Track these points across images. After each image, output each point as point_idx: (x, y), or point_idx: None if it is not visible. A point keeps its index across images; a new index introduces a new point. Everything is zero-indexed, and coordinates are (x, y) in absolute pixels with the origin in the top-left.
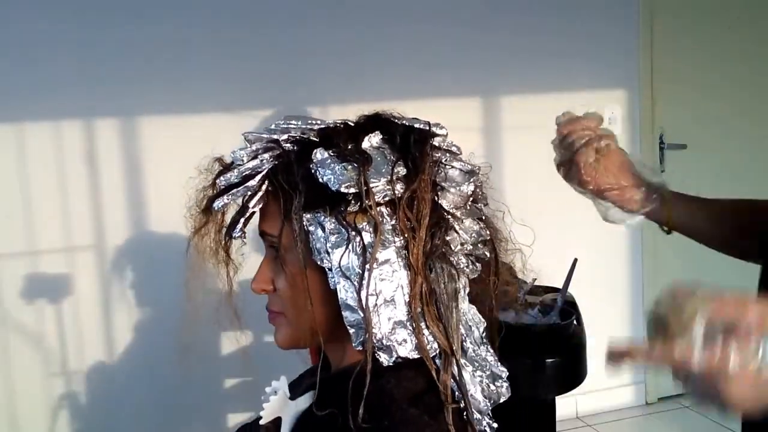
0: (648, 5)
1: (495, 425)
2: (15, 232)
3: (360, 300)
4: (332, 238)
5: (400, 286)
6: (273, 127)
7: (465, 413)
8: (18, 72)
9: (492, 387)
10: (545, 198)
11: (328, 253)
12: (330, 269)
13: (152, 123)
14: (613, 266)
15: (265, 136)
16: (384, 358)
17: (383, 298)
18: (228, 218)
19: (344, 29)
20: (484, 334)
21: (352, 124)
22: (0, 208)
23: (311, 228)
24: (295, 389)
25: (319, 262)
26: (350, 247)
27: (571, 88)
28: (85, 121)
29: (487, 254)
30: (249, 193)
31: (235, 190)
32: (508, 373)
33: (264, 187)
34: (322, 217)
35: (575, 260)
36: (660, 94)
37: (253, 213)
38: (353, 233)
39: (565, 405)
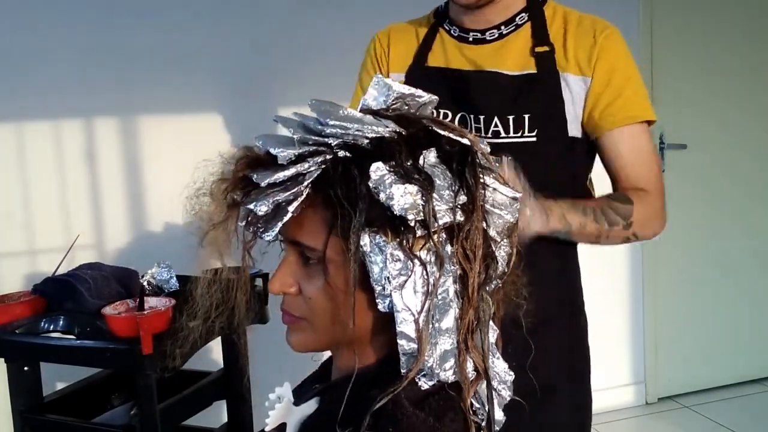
0: (648, 5)
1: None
2: (14, 232)
3: (419, 330)
4: (393, 266)
5: (454, 316)
6: (328, 130)
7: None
8: (18, 71)
9: (503, 393)
10: None
11: (388, 281)
12: (387, 296)
13: (152, 122)
14: (613, 266)
15: (315, 138)
16: (423, 382)
17: (439, 328)
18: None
19: (347, 27)
20: (494, 340)
21: (405, 133)
22: None
23: (368, 249)
24: (300, 395)
25: (377, 288)
26: (412, 277)
27: None
28: (84, 120)
29: (507, 270)
30: (291, 198)
31: (276, 192)
32: (513, 377)
33: (306, 193)
34: (382, 241)
35: None
36: (660, 94)
37: (290, 219)
38: (416, 262)
39: None
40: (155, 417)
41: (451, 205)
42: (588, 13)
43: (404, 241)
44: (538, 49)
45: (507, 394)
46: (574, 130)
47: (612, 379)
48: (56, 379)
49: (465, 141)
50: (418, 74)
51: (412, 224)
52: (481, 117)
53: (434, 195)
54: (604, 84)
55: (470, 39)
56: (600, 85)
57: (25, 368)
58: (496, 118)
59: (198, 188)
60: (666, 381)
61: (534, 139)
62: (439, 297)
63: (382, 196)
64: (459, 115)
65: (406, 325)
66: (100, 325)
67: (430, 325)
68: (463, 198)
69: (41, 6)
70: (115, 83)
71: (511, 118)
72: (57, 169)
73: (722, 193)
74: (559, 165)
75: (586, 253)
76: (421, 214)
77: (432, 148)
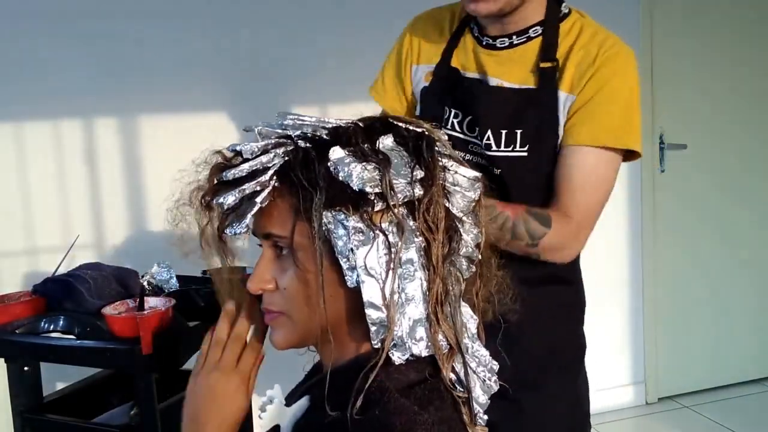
0: (648, 5)
1: (486, 417)
2: (14, 232)
3: (385, 298)
4: (356, 238)
5: (420, 286)
6: (285, 122)
7: (465, 406)
8: (18, 70)
9: (488, 382)
10: None
11: (352, 252)
12: (353, 268)
13: (152, 122)
14: (613, 266)
15: (278, 131)
16: (397, 356)
17: (405, 297)
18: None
19: (345, 29)
20: (476, 331)
21: (362, 125)
22: None
23: (331, 227)
24: (290, 395)
25: (342, 261)
26: (374, 246)
27: None
28: (84, 120)
29: (479, 256)
30: (258, 188)
31: (245, 185)
32: (498, 367)
33: (272, 184)
34: (343, 216)
35: None
36: (660, 94)
37: (261, 209)
38: (378, 233)
39: None
40: (155, 417)
41: (408, 179)
42: (589, 13)
43: (365, 214)
44: (543, 65)
45: (493, 380)
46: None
47: (612, 379)
48: (56, 379)
49: (421, 130)
50: (443, 72)
51: (372, 198)
52: (477, 128)
53: (392, 170)
54: (585, 100)
55: (484, 43)
56: (581, 101)
57: (25, 368)
58: (489, 132)
59: (177, 199)
60: (666, 381)
61: (525, 153)
62: (404, 267)
63: (341, 175)
64: (467, 120)
65: (372, 293)
66: (100, 325)
67: (396, 295)
68: (420, 173)
69: (41, 7)
70: (115, 83)
71: (504, 132)
72: (57, 169)
73: (722, 193)
74: (550, 177)
75: (586, 253)
76: (378, 187)
77: (389, 134)
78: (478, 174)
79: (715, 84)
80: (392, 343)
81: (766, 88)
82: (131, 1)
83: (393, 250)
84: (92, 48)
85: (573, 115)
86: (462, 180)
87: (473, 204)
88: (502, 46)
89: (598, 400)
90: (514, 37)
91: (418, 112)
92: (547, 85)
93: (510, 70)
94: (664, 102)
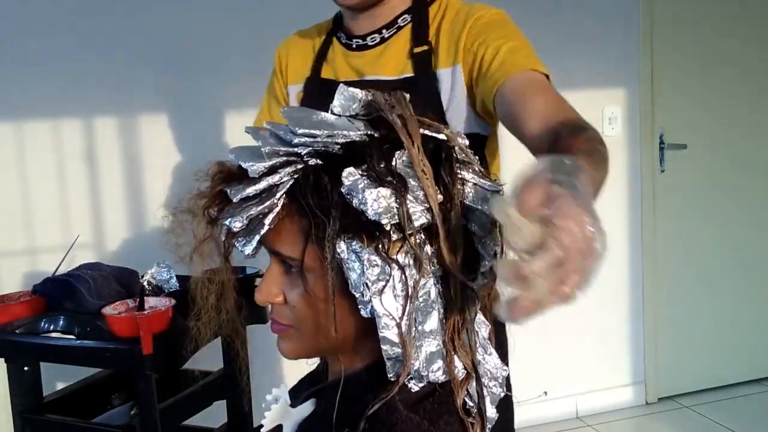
0: (648, 5)
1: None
2: (14, 232)
3: (402, 334)
4: (371, 272)
5: (437, 318)
6: (297, 139)
7: (476, 425)
8: (18, 70)
9: (496, 392)
10: None
11: (366, 287)
12: (368, 302)
13: (152, 122)
14: (613, 266)
15: (284, 149)
16: (413, 384)
17: (422, 330)
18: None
19: None
20: (487, 334)
21: (377, 135)
22: None
23: (344, 256)
24: (295, 396)
25: (356, 294)
26: (391, 282)
27: (572, 88)
28: (84, 120)
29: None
30: (266, 210)
31: (250, 206)
32: (508, 372)
33: (281, 203)
34: (358, 247)
35: None
36: (660, 94)
37: (269, 230)
38: (394, 266)
39: (565, 405)
40: (155, 417)
41: (426, 205)
42: (589, 13)
43: (380, 246)
44: (417, 50)
45: (499, 390)
46: (471, 127)
47: (612, 379)
48: (56, 379)
49: (441, 136)
50: (314, 87)
51: (387, 228)
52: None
53: (408, 196)
54: (480, 53)
55: (353, 46)
56: (472, 58)
57: (25, 368)
58: None
59: (175, 206)
60: (666, 381)
61: None
62: (421, 299)
63: (355, 202)
64: None
65: (388, 331)
66: (100, 325)
67: (413, 329)
68: (439, 197)
69: (41, 6)
70: (115, 83)
71: None
72: (57, 168)
73: (722, 193)
74: None
75: None
76: (396, 217)
77: (405, 150)
78: (499, 186)
79: (715, 84)
80: (412, 376)
81: (766, 89)
82: (132, 1)
83: (410, 284)
84: (93, 47)
85: (477, 68)
86: (482, 193)
87: (493, 219)
88: (374, 43)
89: (598, 400)
90: (384, 31)
91: None
92: (424, 69)
93: (386, 64)
94: (664, 102)
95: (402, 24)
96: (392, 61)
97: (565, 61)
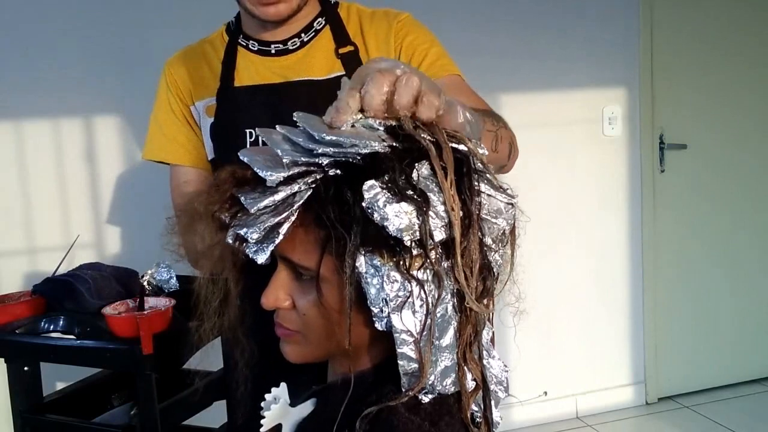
0: (648, 5)
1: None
2: (14, 231)
3: (420, 350)
4: (390, 287)
5: (453, 334)
6: (321, 148)
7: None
8: (18, 69)
9: (500, 395)
10: (544, 197)
11: (385, 302)
12: (385, 317)
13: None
14: (614, 266)
15: (305, 159)
16: (423, 396)
17: (439, 347)
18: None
19: None
20: (490, 336)
21: (399, 147)
22: None
23: (363, 270)
24: (295, 395)
25: (375, 310)
26: (410, 299)
27: (572, 87)
28: (84, 119)
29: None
30: (282, 221)
31: (267, 216)
32: (509, 374)
33: (297, 213)
34: (378, 262)
35: None
36: (660, 94)
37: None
38: (414, 283)
39: (565, 405)
40: (155, 417)
41: (446, 221)
42: (590, 13)
43: (401, 262)
44: (342, 51)
45: (503, 394)
46: None
47: (612, 379)
48: (56, 379)
49: (462, 148)
50: (228, 97)
51: (408, 244)
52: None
53: (430, 212)
54: (408, 55)
55: (273, 51)
56: (408, 60)
57: (25, 368)
58: None
59: (181, 210)
60: (666, 381)
61: None
62: (438, 315)
63: (377, 217)
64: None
65: (406, 347)
66: (100, 325)
67: (431, 345)
68: (460, 212)
69: (41, 5)
70: (115, 83)
71: None
72: (57, 168)
73: (722, 193)
74: None
75: (586, 252)
76: (417, 233)
77: (425, 161)
78: (512, 198)
79: (715, 84)
80: (426, 390)
81: (766, 88)
82: (132, 1)
83: (429, 300)
84: (93, 47)
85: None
86: (497, 206)
87: (506, 232)
88: (295, 47)
89: (598, 400)
90: (303, 34)
91: (210, 153)
92: (355, 68)
93: (313, 65)
94: (664, 102)
95: (318, 27)
96: (319, 62)
97: (566, 60)
